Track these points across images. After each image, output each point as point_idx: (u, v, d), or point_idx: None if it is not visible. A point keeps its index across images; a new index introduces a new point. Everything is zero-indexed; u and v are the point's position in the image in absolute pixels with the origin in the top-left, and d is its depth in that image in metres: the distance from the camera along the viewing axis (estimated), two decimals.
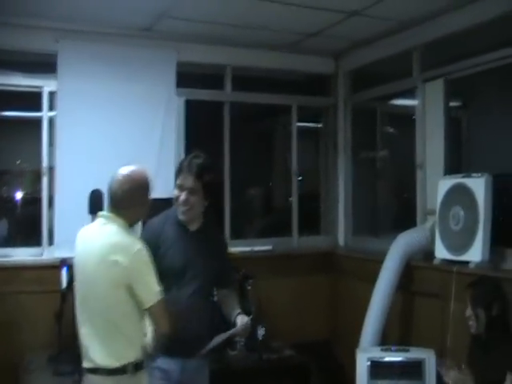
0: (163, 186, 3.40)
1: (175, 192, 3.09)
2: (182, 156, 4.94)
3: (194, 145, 5.03)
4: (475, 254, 3.77)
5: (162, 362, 3.05)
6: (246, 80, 5.37)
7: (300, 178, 5.57)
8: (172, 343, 2.93)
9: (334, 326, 5.26)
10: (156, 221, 3.20)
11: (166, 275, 2.93)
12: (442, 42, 4.42)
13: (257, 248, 5.12)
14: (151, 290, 2.72)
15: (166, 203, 4.19)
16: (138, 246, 2.74)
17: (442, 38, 4.38)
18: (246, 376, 4.02)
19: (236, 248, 4.87)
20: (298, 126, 5.59)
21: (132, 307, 2.73)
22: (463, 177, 3.96)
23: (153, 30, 4.70)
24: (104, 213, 2.92)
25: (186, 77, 5.00)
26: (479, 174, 3.84)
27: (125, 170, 2.89)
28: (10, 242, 4.96)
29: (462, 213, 3.89)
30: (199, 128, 5.23)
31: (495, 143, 4.39)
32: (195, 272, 3.06)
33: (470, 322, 3.27)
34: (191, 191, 3.06)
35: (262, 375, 4.07)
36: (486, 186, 3.77)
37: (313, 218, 5.75)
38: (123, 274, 2.68)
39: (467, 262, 3.81)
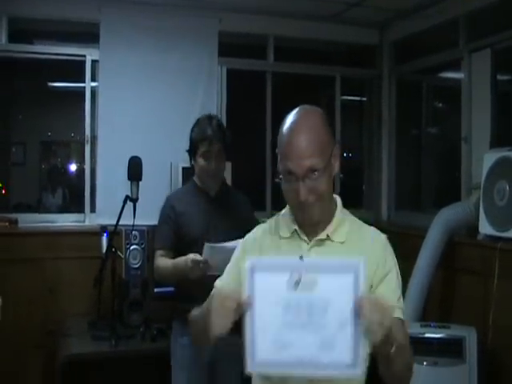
0: None
1: (200, 161, 3.05)
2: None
3: (235, 115, 5.01)
4: None
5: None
6: (288, 51, 5.31)
7: (345, 155, 5.52)
8: None
9: None
10: (174, 195, 3.24)
11: (190, 243, 2.94)
12: (489, 10, 4.28)
13: None
14: None
15: None
16: None
17: (489, 6, 4.23)
18: None
19: None
20: (343, 99, 5.51)
21: None
22: (509, 150, 3.82)
23: None
24: None
25: (228, 46, 4.96)
26: None
27: None
28: (55, 208, 5.05)
29: (507, 187, 3.77)
30: (241, 99, 5.20)
31: None
32: (219, 237, 2.94)
33: None
34: (218, 157, 3.04)
35: None
36: None
37: (355, 193, 5.69)
38: None
39: None
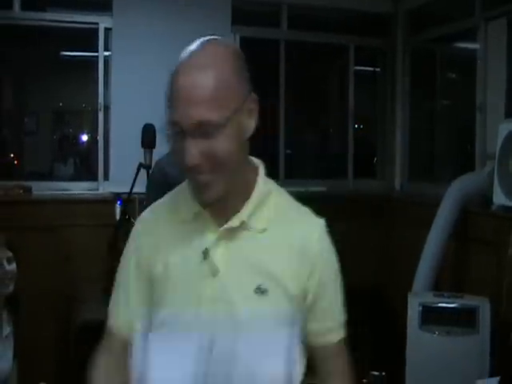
0: None
1: None
2: None
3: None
4: None
5: None
6: (301, 19, 5.26)
7: (357, 126, 5.52)
8: None
9: (387, 271, 5.20)
10: (165, 159, 3.16)
11: None
12: None
13: (311, 189, 5.08)
14: None
15: None
16: None
17: None
18: None
19: (289, 188, 4.87)
20: (356, 70, 5.48)
21: None
22: None
23: None
24: None
25: (242, 14, 4.93)
26: None
27: None
28: (68, 177, 5.06)
29: None
30: (254, 67, 5.16)
31: None
32: None
33: None
34: None
35: None
36: None
37: (369, 163, 5.68)
38: None
39: None
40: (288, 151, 5.31)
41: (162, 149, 3.42)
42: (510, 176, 3.83)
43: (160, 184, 3.01)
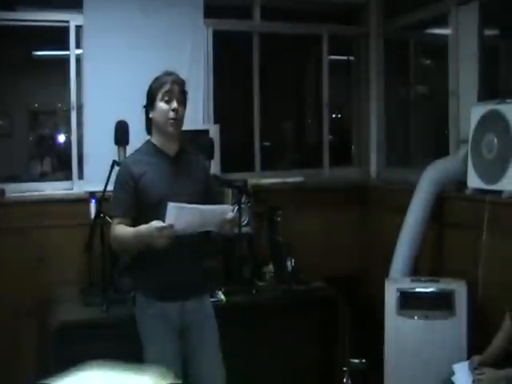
0: (191, 119, 3.35)
1: (161, 105, 2.98)
2: (211, 89, 4.90)
3: (223, 77, 4.98)
4: (509, 182, 3.64)
5: (160, 308, 3.00)
6: (275, 10, 5.24)
7: (334, 116, 5.53)
8: (165, 285, 2.95)
9: (365, 259, 5.22)
10: (131, 158, 3.12)
11: (152, 206, 2.86)
12: None
13: (288, 179, 5.08)
14: None
15: (196, 134, 4.20)
16: None
17: None
18: (273, 306, 4.03)
19: (266, 180, 4.92)
20: (330, 59, 5.45)
21: None
22: (497, 103, 3.80)
23: None
24: None
25: (214, 8, 4.90)
26: None
27: None
28: (43, 177, 5.04)
29: (495, 140, 3.76)
30: (229, 60, 5.16)
31: None
32: (181, 198, 2.86)
33: None
34: (179, 98, 2.99)
35: (291, 306, 4.07)
36: None
37: (345, 151, 5.69)
38: None
39: (500, 192, 3.70)
40: (265, 143, 5.32)
41: (136, 146, 3.41)
42: (483, 159, 3.85)
43: (125, 182, 3.00)
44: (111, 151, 3.94)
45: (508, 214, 3.62)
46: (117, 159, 3.87)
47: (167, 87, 2.97)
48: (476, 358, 3.20)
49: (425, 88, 5.48)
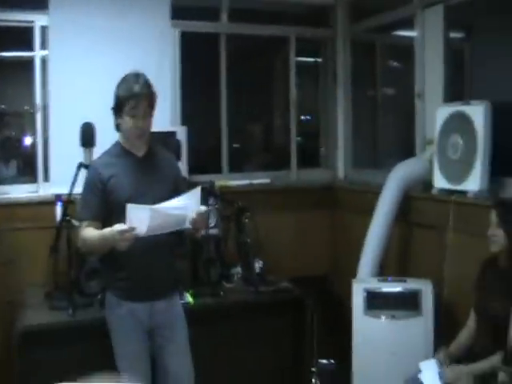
0: (159, 120, 3.33)
1: (127, 120, 2.96)
2: (178, 91, 4.88)
3: (190, 79, 4.97)
4: (474, 183, 3.69)
5: (130, 308, 3.01)
6: (242, 12, 5.24)
7: (303, 118, 5.55)
8: (134, 286, 2.94)
9: (333, 259, 5.25)
10: (99, 160, 3.11)
11: (120, 208, 2.81)
12: None
13: (255, 181, 5.08)
14: None
15: (163, 136, 4.17)
16: None
17: None
18: (241, 308, 4.02)
19: (234, 181, 4.93)
20: (298, 61, 5.47)
21: None
22: (462, 104, 3.85)
23: None
24: None
25: (182, 9, 4.89)
26: (478, 102, 3.74)
27: None
28: (8, 180, 4.97)
29: (460, 141, 3.81)
30: (197, 62, 5.15)
31: (497, 72, 4.27)
32: (150, 199, 2.88)
33: (493, 238, 3.14)
34: (145, 115, 2.97)
35: (258, 307, 4.06)
36: (485, 113, 3.66)
37: (313, 153, 5.71)
38: None
39: (465, 192, 3.74)
40: (234, 145, 5.31)
41: (103, 147, 3.37)
42: (448, 160, 3.89)
43: (94, 184, 3.00)
44: (77, 153, 3.90)
45: (473, 214, 3.65)
46: (83, 161, 3.83)
47: (133, 103, 2.94)
48: (443, 349, 3.25)
49: (392, 90, 5.53)
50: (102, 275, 3.60)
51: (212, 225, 4.13)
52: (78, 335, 3.53)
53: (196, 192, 2.93)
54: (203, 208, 2.98)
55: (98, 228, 2.94)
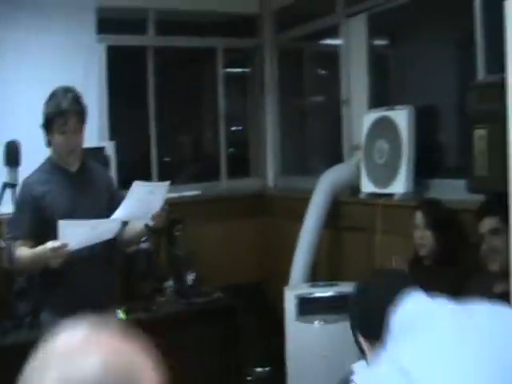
0: (86, 136, 3.28)
1: (57, 137, 2.90)
2: (105, 105, 4.82)
3: (117, 93, 4.92)
4: (399, 185, 3.78)
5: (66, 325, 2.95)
6: (170, 25, 5.25)
7: (234, 128, 5.56)
8: (72, 301, 2.84)
9: (266, 267, 5.26)
10: (30, 178, 3.05)
11: (54, 224, 2.73)
12: None
13: (185, 193, 5.06)
14: None
15: (91, 152, 4.11)
16: None
17: None
18: (173, 320, 4.00)
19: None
20: (227, 72, 5.51)
21: None
22: (387, 110, 3.95)
23: None
24: None
25: (108, 23, 4.84)
26: (402, 107, 3.82)
27: None
28: None
29: (386, 146, 3.89)
30: (123, 76, 5.11)
31: (421, 77, 4.37)
32: (84, 215, 2.84)
33: (420, 241, 3.22)
34: (75, 131, 2.92)
35: (190, 319, 4.06)
36: (409, 117, 3.77)
37: (243, 163, 5.74)
38: None
39: (392, 195, 3.83)
40: (165, 158, 5.29)
41: (30, 166, 3.27)
42: (375, 164, 3.97)
43: (26, 202, 2.95)
44: (1, 173, 3.81)
45: (399, 215, 3.73)
46: (7, 181, 3.74)
47: (62, 120, 2.87)
48: None
49: (319, 97, 5.60)
50: (32, 295, 3.52)
51: (143, 239, 4.09)
52: (9, 358, 3.43)
53: (163, 186, 2.98)
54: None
55: (31, 246, 2.87)
